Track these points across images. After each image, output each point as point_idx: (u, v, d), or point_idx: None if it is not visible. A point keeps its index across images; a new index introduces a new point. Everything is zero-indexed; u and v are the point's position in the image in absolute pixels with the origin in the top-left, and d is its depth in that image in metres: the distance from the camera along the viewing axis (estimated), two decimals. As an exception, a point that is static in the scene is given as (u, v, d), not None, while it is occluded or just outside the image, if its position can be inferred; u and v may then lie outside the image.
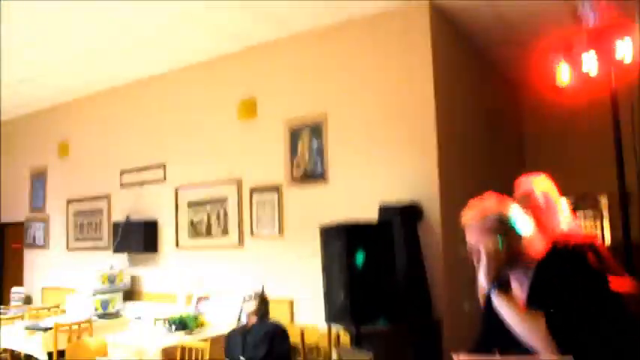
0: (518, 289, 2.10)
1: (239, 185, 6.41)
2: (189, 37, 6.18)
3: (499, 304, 1.99)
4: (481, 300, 2.88)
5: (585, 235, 2.96)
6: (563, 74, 4.36)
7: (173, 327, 5.62)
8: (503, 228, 2.07)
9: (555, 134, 7.49)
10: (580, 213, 5.42)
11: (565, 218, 2.98)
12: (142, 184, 7.43)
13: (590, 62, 4.15)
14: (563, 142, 7.39)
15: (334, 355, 4.97)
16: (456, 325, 5.08)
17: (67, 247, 8.42)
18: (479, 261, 2.08)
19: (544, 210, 2.84)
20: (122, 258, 7.50)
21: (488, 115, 6.73)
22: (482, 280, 2.04)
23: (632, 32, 3.72)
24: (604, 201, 5.56)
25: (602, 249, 2.59)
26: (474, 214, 2.12)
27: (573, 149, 7.21)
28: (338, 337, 4.93)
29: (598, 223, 5.50)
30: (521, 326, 1.92)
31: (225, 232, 6.52)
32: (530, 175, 2.97)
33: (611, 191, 5.00)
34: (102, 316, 6.72)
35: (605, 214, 5.66)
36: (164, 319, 5.88)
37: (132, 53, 6.61)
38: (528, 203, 2.71)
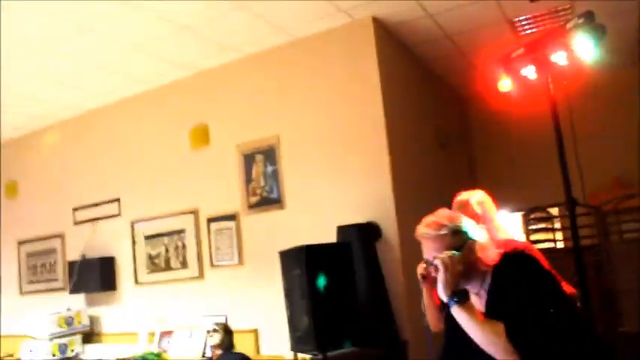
0: (476, 299, 2.11)
1: (196, 215, 6.31)
2: (136, 67, 6.09)
3: (459, 316, 2.00)
4: (429, 320, 2.89)
5: (522, 243, 3.05)
6: (504, 85, 4.44)
7: (136, 367, 5.47)
8: (457, 239, 2.08)
9: (503, 147, 7.64)
10: (533, 225, 5.51)
11: (501, 228, 3.08)
12: (96, 220, 7.25)
13: (528, 72, 4.23)
14: (512, 155, 7.54)
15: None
16: (421, 344, 5.07)
17: (20, 292, 8.11)
18: (436, 274, 2.08)
19: (481, 218, 2.94)
20: (79, 298, 7.27)
21: (439, 130, 6.82)
22: (441, 294, 2.04)
23: (566, 41, 3.82)
24: (554, 211, 5.68)
25: (539, 255, 2.67)
26: (428, 228, 2.13)
27: (522, 162, 7.36)
28: (305, 363, 4.86)
29: (550, 233, 5.61)
30: (482, 336, 1.93)
31: (184, 264, 6.40)
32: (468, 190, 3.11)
33: (560, 201, 5.13)
34: (60, 361, 6.48)
35: (557, 224, 5.79)
36: None
37: (78, 85, 6.48)
38: (466, 212, 2.80)
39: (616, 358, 2.06)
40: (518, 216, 6.95)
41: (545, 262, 2.54)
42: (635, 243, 5.15)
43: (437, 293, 2.83)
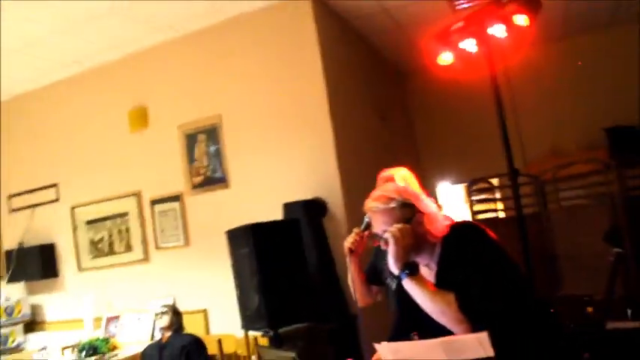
0: (427, 271, 2.13)
1: (139, 198, 6.17)
2: (71, 46, 5.85)
3: (410, 288, 2.02)
4: (356, 295, 2.92)
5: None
6: (444, 59, 4.49)
7: (83, 353, 5.35)
8: (406, 212, 2.09)
9: (445, 121, 7.76)
10: (475, 196, 5.65)
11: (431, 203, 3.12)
12: (33, 207, 7.00)
13: (467, 45, 4.29)
14: (453, 128, 7.66)
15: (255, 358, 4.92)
16: (371, 317, 5.14)
17: (-44, 283, 7.80)
18: (386, 247, 2.09)
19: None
20: (19, 287, 7.02)
21: (380, 104, 6.86)
22: (392, 267, 2.05)
23: (504, 14, 3.89)
24: (495, 182, 5.84)
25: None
26: (377, 201, 2.13)
27: (463, 135, 7.50)
28: (256, 342, 4.87)
29: (492, 204, 5.76)
30: (434, 307, 1.95)
31: (128, 247, 6.27)
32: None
33: (501, 172, 5.27)
34: (2, 352, 6.26)
35: (498, 194, 5.95)
36: (72, 347, 5.59)
37: (8, 66, 6.18)
38: None
39: (558, 320, 2.12)
40: (460, 188, 7.12)
41: (491, 233, 2.60)
42: (572, 210, 5.35)
43: (361, 267, 2.87)
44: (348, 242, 2.70)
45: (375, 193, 2.17)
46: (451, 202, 7.15)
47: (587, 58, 6.99)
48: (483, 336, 1.59)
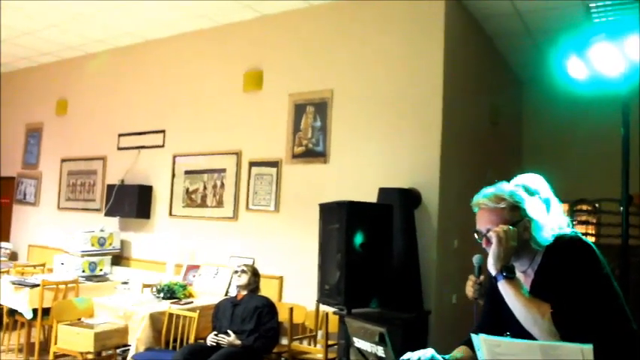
0: (523, 277, 2.08)
1: (239, 157, 6.35)
2: (198, 2, 6.07)
3: (505, 291, 1.98)
4: (469, 291, 2.84)
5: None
6: (574, 70, 4.30)
7: (161, 294, 5.59)
8: (514, 215, 2.05)
9: (556, 136, 7.46)
10: (577, 217, 5.42)
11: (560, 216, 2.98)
12: (139, 148, 7.36)
13: (602, 60, 4.09)
14: (563, 145, 7.36)
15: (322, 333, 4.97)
16: (442, 315, 5.08)
17: (58, 207, 8.35)
18: (487, 246, 2.05)
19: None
20: (113, 222, 7.45)
21: (493, 108, 6.69)
22: (490, 267, 2.02)
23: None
24: (598, 205, 5.57)
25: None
26: (487, 199, 2.09)
27: (572, 152, 7.19)
28: (326, 316, 4.92)
29: (591, 227, 5.51)
30: (526, 314, 1.91)
31: (220, 203, 6.48)
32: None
33: (605, 197, 5.04)
34: (89, 278, 6.67)
35: (601, 218, 5.67)
36: (152, 286, 5.86)
37: (137, 13, 6.51)
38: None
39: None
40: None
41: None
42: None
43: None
44: (470, 292, 2.62)
45: (487, 190, 2.13)
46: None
47: None
48: (588, 349, 1.53)
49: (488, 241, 2.04)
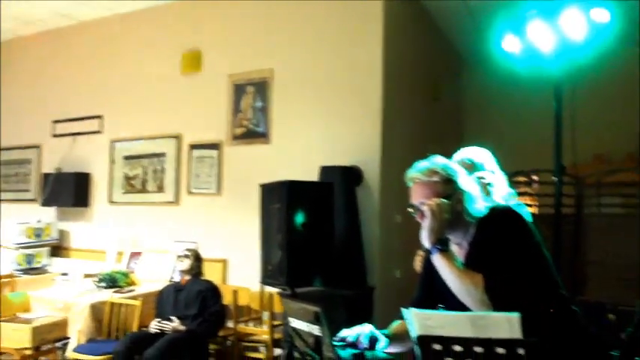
0: (458, 250, 2.10)
1: (178, 141, 6.23)
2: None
3: (439, 264, 1.98)
4: (417, 265, 2.87)
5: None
6: (510, 45, 4.35)
7: (102, 284, 5.46)
8: (447, 188, 2.05)
9: (496, 112, 7.58)
10: (515, 188, 5.51)
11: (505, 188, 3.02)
12: (76, 135, 7.11)
13: (537, 35, 4.14)
14: (503, 120, 7.48)
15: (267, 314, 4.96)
16: (387, 291, 5.13)
17: (-9, 199, 8.02)
18: (421, 220, 2.05)
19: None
20: (51, 212, 7.20)
21: (434, 84, 6.74)
22: (424, 240, 2.02)
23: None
24: (534, 177, 5.71)
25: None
26: (420, 173, 2.08)
27: (511, 128, 7.33)
28: (271, 297, 4.90)
29: (528, 199, 5.64)
30: (461, 286, 1.92)
31: (161, 188, 6.35)
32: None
33: (542, 167, 5.15)
34: (26, 272, 6.42)
35: (536, 189, 5.82)
36: (93, 276, 5.71)
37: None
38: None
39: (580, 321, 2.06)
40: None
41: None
42: (610, 217, 5.22)
43: None
44: (419, 267, 2.63)
45: (420, 164, 2.13)
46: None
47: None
48: (514, 317, 1.55)
49: (422, 215, 2.03)
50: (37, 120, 7.50)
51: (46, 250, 6.84)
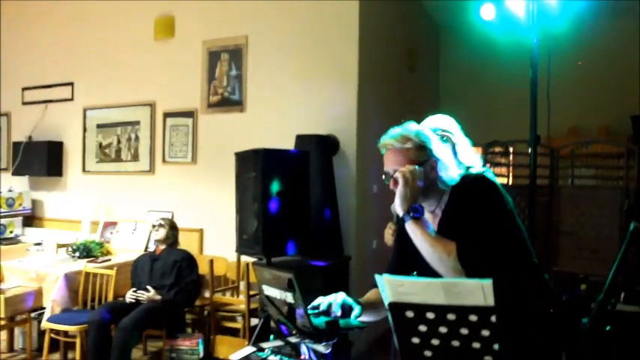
0: (431, 217, 2.09)
1: (152, 108, 6.12)
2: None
3: (412, 231, 1.97)
4: (387, 239, 2.85)
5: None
6: (486, 13, 4.32)
7: (77, 253, 5.41)
8: (421, 155, 2.02)
9: (472, 81, 7.58)
10: (490, 159, 5.55)
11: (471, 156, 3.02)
12: (47, 102, 6.95)
13: (513, 3, 4.12)
14: (480, 89, 7.50)
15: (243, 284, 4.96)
16: (362, 260, 5.16)
17: (-40, 168, 7.84)
18: (395, 187, 2.02)
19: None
20: (23, 181, 7.08)
21: (410, 53, 6.71)
22: (397, 207, 2.00)
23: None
24: (510, 148, 5.74)
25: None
26: (393, 140, 2.05)
27: (488, 98, 7.34)
28: (247, 267, 4.89)
29: (504, 169, 5.67)
30: (433, 254, 1.91)
31: (135, 157, 6.26)
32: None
33: (518, 138, 5.19)
34: (-1, 241, 6.35)
35: (512, 160, 5.86)
36: (67, 246, 5.64)
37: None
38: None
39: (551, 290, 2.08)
40: (474, 150, 7.02)
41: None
42: (583, 189, 5.28)
43: None
44: (390, 241, 2.61)
45: (393, 131, 2.10)
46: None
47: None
48: (487, 284, 1.54)
49: (396, 182, 2.01)
50: (5, 87, 7.28)
51: (18, 220, 6.75)
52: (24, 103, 7.18)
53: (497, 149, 5.61)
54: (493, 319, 1.53)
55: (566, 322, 2.06)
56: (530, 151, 4.00)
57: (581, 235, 5.11)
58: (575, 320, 2.11)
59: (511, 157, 5.71)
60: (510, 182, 5.67)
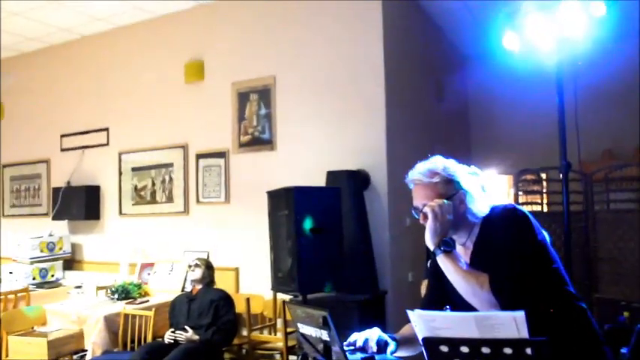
0: (462, 250, 2.09)
1: (185, 150, 6.26)
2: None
3: (444, 265, 1.97)
4: (422, 290, 2.83)
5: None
6: (509, 42, 4.34)
7: (115, 295, 5.50)
8: (449, 188, 2.04)
9: (501, 109, 7.55)
10: (522, 187, 5.50)
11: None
12: (83, 148, 7.17)
13: (534, 31, 4.13)
14: (509, 118, 7.46)
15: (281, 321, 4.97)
16: (399, 295, 5.13)
17: (3, 214, 8.08)
18: (424, 222, 2.04)
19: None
20: (62, 225, 7.26)
21: (437, 84, 6.74)
22: (428, 242, 2.01)
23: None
24: (543, 175, 5.68)
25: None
26: (421, 174, 2.07)
27: (517, 126, 7.30)
28: (284, 305, 4.90)
29: (537, 197, 5.61)
30: (466, 287, 1.90)
31: (170, 198, 6.38)
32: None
33: (549, 165, 5.14)
34: (40, 285, 6.50)
35: (545, 187, 5.79)
36: (106, 288, 5.75)
37: (75, 7, 6.28)
38: None
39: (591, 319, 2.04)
40: (505, 178, 6.97)
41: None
42: (620, 213, 5.17)
43: None
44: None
45: (421, 165, 2.12)
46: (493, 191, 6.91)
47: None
48: (520, 316, 1.53)
49: (425, 217, 2.03)
50: (45, 134, 7.57)
51: (59, 263, 6.91)
52: (62, 150, 7.42)
53: (529, 177, 5.56)
54: (529, 351, 1.51)
55: (603, 351, 2.01)
56: (561, 177, 3.98)
57: (620, 260, 4.98)
58: (613, 349, 2.07)
59: (544, 184, 5.65)
60: (545, 209, 5.60)
